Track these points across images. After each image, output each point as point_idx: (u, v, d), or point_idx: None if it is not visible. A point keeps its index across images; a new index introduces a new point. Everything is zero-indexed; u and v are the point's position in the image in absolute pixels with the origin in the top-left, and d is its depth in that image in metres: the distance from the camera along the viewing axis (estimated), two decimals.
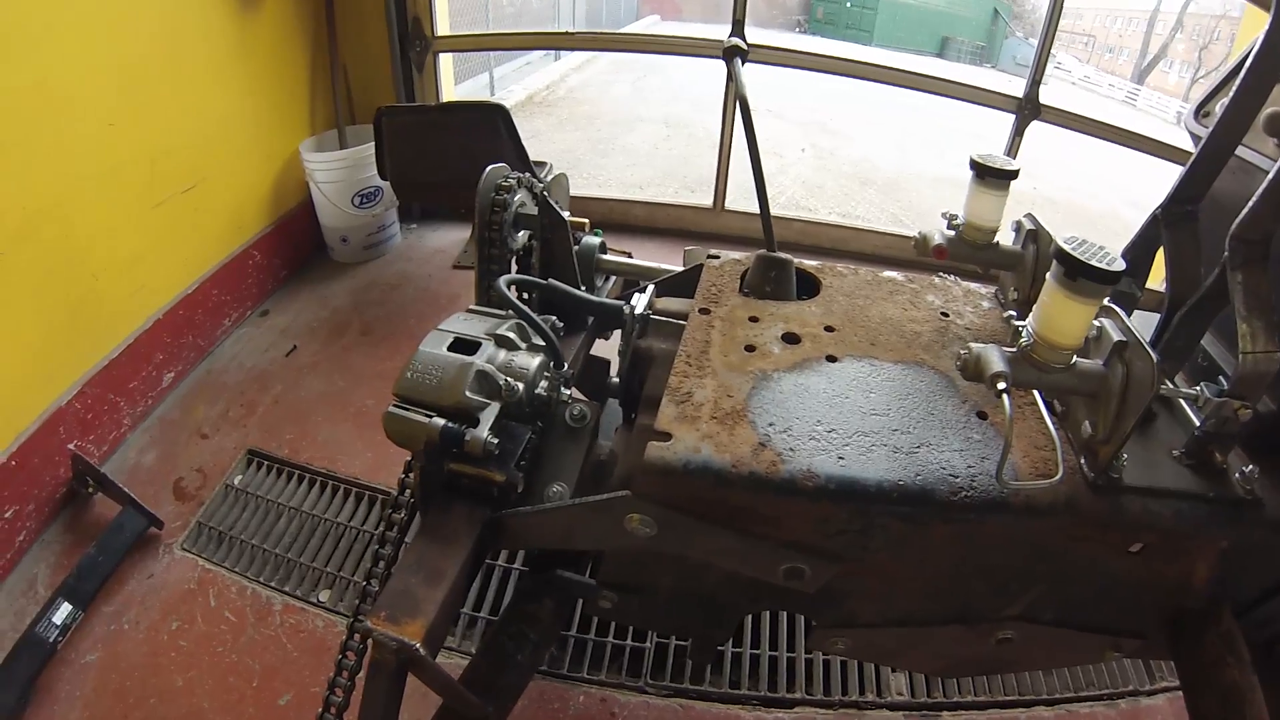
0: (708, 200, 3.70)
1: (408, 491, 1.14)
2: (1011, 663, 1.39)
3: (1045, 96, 3.04)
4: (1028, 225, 1.21)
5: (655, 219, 3.72)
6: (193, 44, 2.36)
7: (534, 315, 1.11)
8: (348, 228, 3.03)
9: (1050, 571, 1.05)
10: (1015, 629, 1.12)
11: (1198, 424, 1.01)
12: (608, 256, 1.42)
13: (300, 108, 2.99)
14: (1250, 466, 1.03)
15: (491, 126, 2.41)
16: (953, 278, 1.40)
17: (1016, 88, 3.09)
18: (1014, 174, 1.17)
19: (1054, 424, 0.90)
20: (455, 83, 7.24)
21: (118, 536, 1.84)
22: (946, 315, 1.24)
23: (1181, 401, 1.03)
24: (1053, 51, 3.03)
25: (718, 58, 2.93)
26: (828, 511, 0.89)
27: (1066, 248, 0.86)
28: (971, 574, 1.04)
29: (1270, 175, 0.94)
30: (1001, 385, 0.83)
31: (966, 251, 1.24)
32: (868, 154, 7.09)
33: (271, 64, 2.76)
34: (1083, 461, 0.96)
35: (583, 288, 1.37)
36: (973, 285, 1.33)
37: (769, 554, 0.93)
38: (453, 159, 2.43)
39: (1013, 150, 3.10)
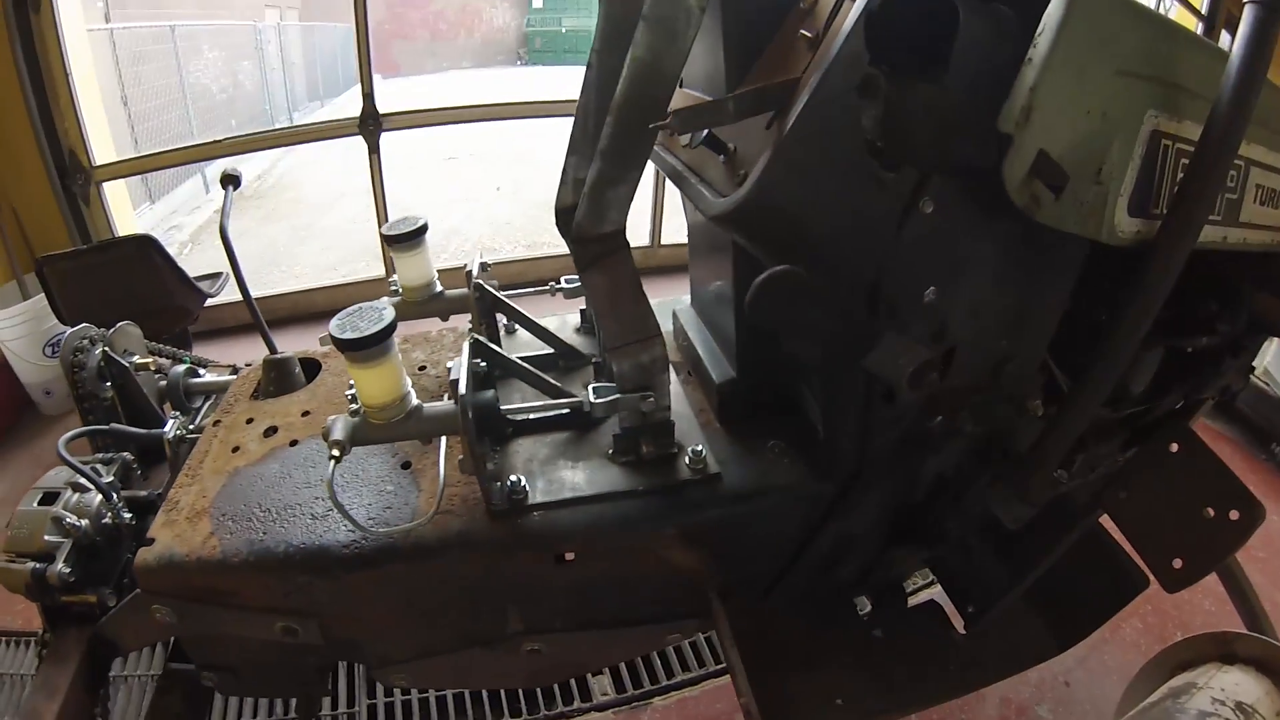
0: (380, 271, 4.03)
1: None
2: (581, 664, 1.56)
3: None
4: (469, 268, 1.40)
5: (337, 301, 3.79)
6: None
7: (77, 464, 1.37)
8: (47, 380, 3.09)
9: (514, 591, 1.17)
10: (536, 642, 1.24)
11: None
12: (201, 379, 1.68)
13: None
14: (698, 446, 1.14)
15: (145, 256, 2.63)
16: (455, 326, 1.54)
17: None
18: (422, 230, 1.34)
19: (442, 468, 1.05)
20: (166, 190, 7.08)
21: None
22: (424, 368, 1.45)
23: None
24: None
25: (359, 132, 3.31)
26: (258, 580, 1.10)
27: (331, 326, 0.98)
28: (436, 608, 1.18)
29: (590, 173, 1.01)
30: (335, 452, 0.99)
31: (414, 310, 1.41)
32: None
33: None
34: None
35: (176, 417, 1.64)
36: (467, 329, 1.50)
37: (258, 619, 1.16)
38: (120, 293, 2.60)
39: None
